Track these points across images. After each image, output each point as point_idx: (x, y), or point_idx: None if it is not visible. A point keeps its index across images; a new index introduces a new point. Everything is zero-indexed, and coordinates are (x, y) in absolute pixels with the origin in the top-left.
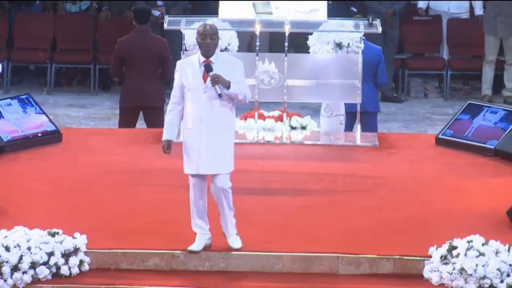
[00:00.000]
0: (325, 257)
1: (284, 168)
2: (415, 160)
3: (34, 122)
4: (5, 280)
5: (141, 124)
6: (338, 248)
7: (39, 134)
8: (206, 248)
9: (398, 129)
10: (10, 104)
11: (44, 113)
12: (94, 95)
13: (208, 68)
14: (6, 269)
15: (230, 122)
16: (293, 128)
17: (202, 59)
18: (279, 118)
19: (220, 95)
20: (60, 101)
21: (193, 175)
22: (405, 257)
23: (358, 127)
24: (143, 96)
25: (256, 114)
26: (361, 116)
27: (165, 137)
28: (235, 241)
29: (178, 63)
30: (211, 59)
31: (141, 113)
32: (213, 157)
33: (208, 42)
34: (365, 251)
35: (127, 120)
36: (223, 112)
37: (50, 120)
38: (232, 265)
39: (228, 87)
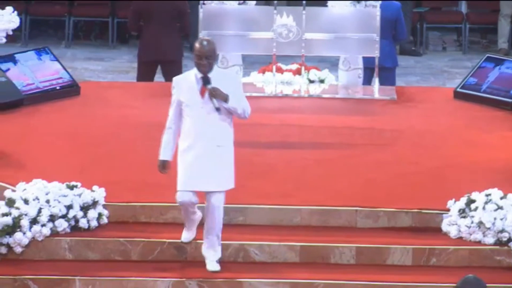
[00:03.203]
0: (343, 210)
1: (302, 121)
2: (433, 113)
3: (49, 69)
4: (24, 233)
5: (159, 77)
6: (356, 202)
7: (57, 87)
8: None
9: (416, 82)
10: (26, 52)
11: (63, 67)
12: (112, 49)
13: (206, 81)
14: (25, 222)
15: (229, 138)
16: (311, 81)
17: (199, 74)
18: (297, 72)
19: (218, 109)
20: (78, 54)
21: (184, 193)
22: (423, 211)
23: (376, 80)
24: (161, 50)
25: (274, 67)
26: (379, 71)
27: (161, 157)
28: (212, 265)
29: (174, 79)
30: (209, 74)
31: (159, 66)
32: (210, 174)
33: (204, 63)
34: (383, 204)
35: (145, 73)
36: (222, 127)
37: (68, 73)
38: (251, 219)
39: (226, 101)
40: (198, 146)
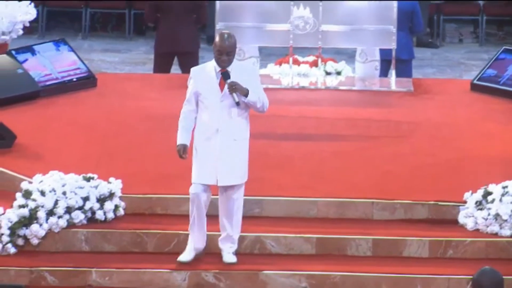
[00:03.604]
0: (360, 202)
1: (319, 113)
2: (450, 105)
3: (67, 60)
4: (40, 225)
5: (175, 69)
6: (373, 194)
7: (74, 79)
8: (198, 256)
9: (433, 74)
10: (44, 43)
11: (79, 58)
12: (129, 40)
13: (225, 75)
14: (41, 214)
15: (246, 132)
16: (328, 73)
17: (218, 68)
18: (314, 64)
19: (238, 103)
20: (95, 46)
21: (198, 186)
22: (440, 203)
23: (393, 72)
24: (178, 41)
25: (291, 59)
26: (395, 63)
27: (180, 141)
28: (229, 256)
29: (192, 70)
30: (227, 68)
31: (175, 58)
32: (230, 167)
33: (224, 59)
34: (400, 196)
35: (161, 65)
36: (239, 121)
37: (84, 64)
38: (267, 211)
39: (246, 95)
40: (215, 140)
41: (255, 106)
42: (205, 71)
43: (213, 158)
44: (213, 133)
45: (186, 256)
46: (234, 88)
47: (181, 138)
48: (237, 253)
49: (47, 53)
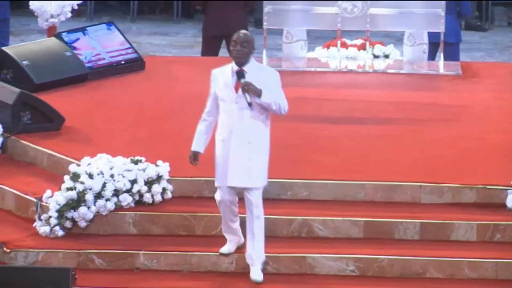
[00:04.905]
0: (408, 186)
1: (367, 97)
2: (498, 89)
3: (116, 41)
4: (88, 207)
5: (223, 52)
6: (421, 177)
7: (123, 62)
8: (239, 248)
9: (481, 58)
10: (95, 25)
11: (128, 41)
12: (177, 23)
13: (240, 75)
14: (89, 197)
15: (263, 134)
16: (376, 56)
17: (236, 68)
18: (362, 47)
19: (250, 104)
20: (143, 29)
21: (221, 189)
22: (488, 186)
23: (441, 55)
24: (226, 25)
25: (339, 42)
26: (443, 47)
27: (193, 147)
28: (255, 273)
29: (212, 72)
30: (244, 68)
31: (224, 41)
32: (243, 170)
33: (238, 49)
34: (447, 180)
35: (209, 48)
36: (255, 124)
37: (133, 47)
38: (315, 194)
39: (259, 96)
40: (231, 142)
41: (270, 108)
42: (224, 73)
43: (228, 159)
44: (229, 134)
45: (226, 248)
46: (247, 88)
47: (194, 145)
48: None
49: (98, 33)
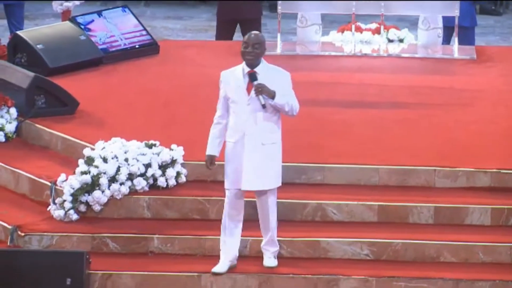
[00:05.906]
0: (422, 170)
1: (381, 81)
2: None
3: (131, 24)
4: (103, 191)
5: (238, 36)
6: (435, 161)
7: (137, 46)
8: (232, 268)
9: (496, 42)
10: (110, 9)
11: (142, 25)
12: (191, 7)
13: (252, 77)
14: (104, 180)
15: (276, 135)
16: (390, 41)
17: (247, 69)
18: (377, 31)
19: (264, 106)
20: (158, 13)
21: (231, 191)
22: (502, 171)
23: (455, 40)
24: (240, 9)
25: (353, 26)
26: (458, 31)
27: (208, 151)
28: (270, 261)
29: (222, 74)
30: (256, 69)
31: (238, 25)
32: (256, 172)
33: (249, 50)
34: (462, 164)
35: (224, 32)
36: (268, 125)
37: (147, 31)
38: (329, 178)
39: (272, 97)
40: (243, 144)
41: (283, 109)
42: (234, 74)
43: (240, 162)
44: (241, 137)
45: (220, 267)
46: (261, 90)
47: (209, 149)
48: (278, 256)
49: (113, 15)
